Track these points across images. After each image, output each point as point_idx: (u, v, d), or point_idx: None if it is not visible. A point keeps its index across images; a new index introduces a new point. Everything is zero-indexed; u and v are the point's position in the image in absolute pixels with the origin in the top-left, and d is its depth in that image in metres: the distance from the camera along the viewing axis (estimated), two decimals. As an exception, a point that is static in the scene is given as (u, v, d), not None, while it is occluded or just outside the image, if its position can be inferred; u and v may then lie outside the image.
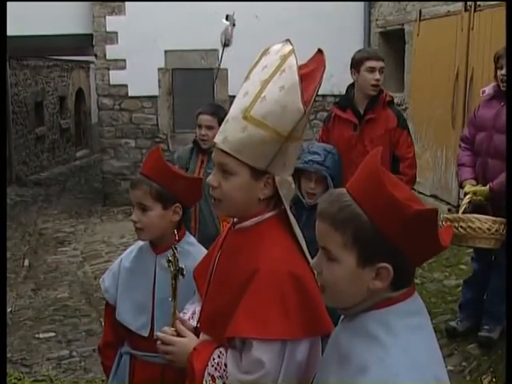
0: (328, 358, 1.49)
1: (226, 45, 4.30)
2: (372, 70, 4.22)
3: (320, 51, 1.79)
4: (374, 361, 1.31)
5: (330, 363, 1.46)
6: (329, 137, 4.42)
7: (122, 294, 2.42)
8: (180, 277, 1.93)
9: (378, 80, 4.22)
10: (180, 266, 1.93)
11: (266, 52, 1.78)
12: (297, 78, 1.68)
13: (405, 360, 1.31)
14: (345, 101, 4.43)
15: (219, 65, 4.41)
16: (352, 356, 1.36)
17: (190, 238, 2.47)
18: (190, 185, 2.37)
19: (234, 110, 1.75)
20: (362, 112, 4.29)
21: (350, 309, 1.43)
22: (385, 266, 1.35)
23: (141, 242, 2.46)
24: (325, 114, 10.43)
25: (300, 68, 1.72)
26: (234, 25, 4.24)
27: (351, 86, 4.40)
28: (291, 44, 1.75)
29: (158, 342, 1.90)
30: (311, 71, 1.74)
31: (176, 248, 1.94)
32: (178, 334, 1.89)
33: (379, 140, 4.18)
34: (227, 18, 4.32)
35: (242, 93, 1.75)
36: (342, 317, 1.52)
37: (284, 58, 1.71)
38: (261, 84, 1.71)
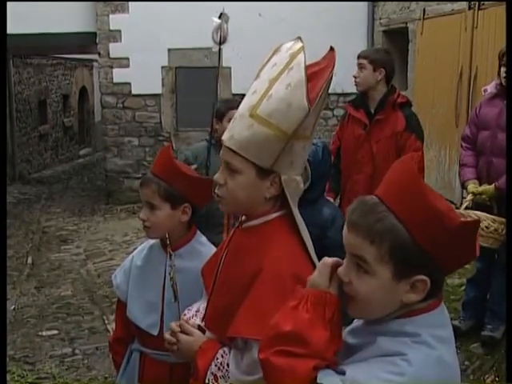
0: (343, 358, 1.44)
1: (221, 43, 4.29)
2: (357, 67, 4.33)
3: (332, 49, 1.77)
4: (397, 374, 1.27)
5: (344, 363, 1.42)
6: (342, 134, 4.48)
7: (133, 291, 2.43)
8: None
9: (354, 77, 4.32)
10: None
11: (277, 50, 1.78)
12: (303, 75, 1.67)
13: (431, 360, 1.28)
14: (359, 100, 4.44)
15: (219, 64, 4.40)
16: (377, 351, 1.33)
17: (202, 238, 2.45)
18: (199, 185, 2.34)
19: (242, 108, 1.75)
20: (372, 112, 4.29)
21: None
22: (422, 279, 1.30)
23: (152, 241, 2.46)
24: (328, 112, 10.46)
25: (311, 66, 1.71)
26: (227, 22, 4.23)
27: None
28: (302, 42, 1.74)
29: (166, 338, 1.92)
30: (320, 69, 1.73)
31: (170, 255, 1.96)
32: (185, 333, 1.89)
33: (385, 142, 4.18)
34: (220, 16, 4.30)
35: (251, 91, 1.76)
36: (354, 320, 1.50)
37: (293, 56, 1.70)
38: (269, 82, 1.71)
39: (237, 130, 1.73)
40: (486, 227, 3.77)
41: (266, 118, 1.68)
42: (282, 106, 1.67)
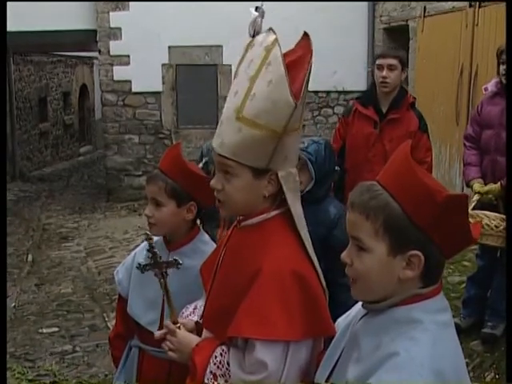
0: (347, 355, 1.47)
1: (254, 36, 4.25)
2: (380, 67, 4.22)
3: (306, 35, 1.73)
4: (401, 350, 1.32)
5: (348, 359, 1.44)
6: (346, 131, 4.38)
7: (134, 288, 2.43)
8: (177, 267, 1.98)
9: (384, 77, 4.18)
10: (172, 259, 1.97)
11: (250, 44, 1.74)
12: (283, 70, 1.62)
13: (432, 352, 1.31)
14: (367, 97, 4.38)
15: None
16: (379, 347, 1.36)
17: (204, 237, 2.45)
18: (206, 184, 2.31)
19: (227, 110, 1.71)
20: (384, 110, 4.25)
21: (379, 303, 1.43)
22: (416, 254, 1.36)
23: (155, 238, 2.45)
24: (329, 110, 10.43)
25: (287, 55, 1.67)
26: (262, 16, 4.19)
27: (374, 84, 4.37)
28: (274, 33, 1.70)
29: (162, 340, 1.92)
30: (298, 58, 1.68)
31: (154, 247, 1.97)
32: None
33: (399, 141, 4.07)
34: (257, 8, 4.28)
35: (232, 92, 1.71)
36: (360, 313, 1.51)
37: (268, 50, 1.66)
38: (249, 81, 1.66)
39: (225, 135, 1.69)
40: (496, 226, 3.75)
41: (253, 120, 1.64)
42: (267, 105, 1.63)
